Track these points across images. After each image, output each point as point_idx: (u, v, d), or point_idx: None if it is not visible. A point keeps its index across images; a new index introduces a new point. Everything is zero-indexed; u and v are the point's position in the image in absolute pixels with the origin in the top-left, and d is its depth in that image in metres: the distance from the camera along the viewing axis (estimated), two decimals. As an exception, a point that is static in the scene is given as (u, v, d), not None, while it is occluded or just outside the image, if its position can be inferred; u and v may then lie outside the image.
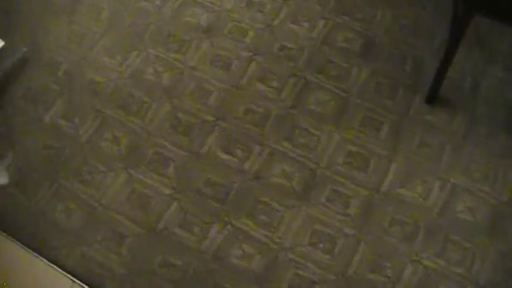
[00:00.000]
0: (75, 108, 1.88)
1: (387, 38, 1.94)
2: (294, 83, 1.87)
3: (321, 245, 1.60)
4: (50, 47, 2.01)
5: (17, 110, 1.89)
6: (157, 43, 1.99)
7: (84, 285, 1.56)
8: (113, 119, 1.86)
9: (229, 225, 1.64)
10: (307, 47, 1.94)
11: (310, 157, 1.73)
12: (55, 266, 1.60)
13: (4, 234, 1.66)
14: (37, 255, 1.62)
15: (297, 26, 1.99)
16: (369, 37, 1.94)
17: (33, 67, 1.97)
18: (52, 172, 1.76)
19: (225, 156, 1.75)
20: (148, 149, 1.79)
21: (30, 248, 1.63)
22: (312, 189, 1.68)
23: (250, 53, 1.94)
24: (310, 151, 1.74)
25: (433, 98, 1.79)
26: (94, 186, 1.74)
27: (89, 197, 1.72)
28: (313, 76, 1.87)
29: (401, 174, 1.69)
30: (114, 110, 1.87)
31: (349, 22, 1.98)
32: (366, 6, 2.01)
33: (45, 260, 1.61)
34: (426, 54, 1.90)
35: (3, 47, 1.98)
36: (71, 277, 1.58)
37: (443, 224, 1.61)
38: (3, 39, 1.99)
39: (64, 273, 1.58)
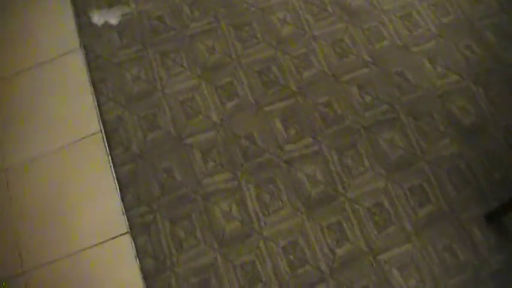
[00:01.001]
0: None
1: (502, 136, 1.76)
2: (384, 109, 1.79)
3: (291, 257, 1.60)
4: None
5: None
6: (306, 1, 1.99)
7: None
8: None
9: (235, 182, 1.68)
10: (424, 88, 1.83)
11: (343, 181, 1.69)
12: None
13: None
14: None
15: (431, 65, 1.87)
16: (485, 122, 1.78)
17: None
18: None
19: (278, 125, 1.76)
20: (228, 75, 1.84)
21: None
22: (322, 207, 1.66)
23: (370, 59, 1.88)
24: (347, 176, 1.70)
25: (492, 219, 1.63)
26: (167, 76, 1.84)
27: (155, 84, 1.84)
28: (407, 117, 1.78)
29: (408, 259, 1.60)
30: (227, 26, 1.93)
31: (480, 95, 1.82)
32: (509, 96, 1.82)
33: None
34: (525, 176, 1.72)
35: None
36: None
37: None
38: None
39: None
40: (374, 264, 1.59)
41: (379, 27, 1.94)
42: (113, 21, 1.98)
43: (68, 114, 1.78)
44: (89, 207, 1.64)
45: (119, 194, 1.67)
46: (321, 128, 1.77)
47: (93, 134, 1.76)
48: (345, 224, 1.64)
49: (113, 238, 1.61)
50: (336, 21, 1.96)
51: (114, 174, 1.69)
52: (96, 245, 1.60)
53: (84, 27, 1.97)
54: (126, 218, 1.64)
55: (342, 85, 1.84)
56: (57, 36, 1.92)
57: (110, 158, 1.72)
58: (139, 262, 1.59)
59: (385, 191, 1.68)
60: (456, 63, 1.87)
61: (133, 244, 1.61)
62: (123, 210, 1.65)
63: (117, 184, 1.69)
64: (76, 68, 1.86)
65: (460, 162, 1.73)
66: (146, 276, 1.57)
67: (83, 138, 1.75)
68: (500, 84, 1.83)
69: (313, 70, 1.86)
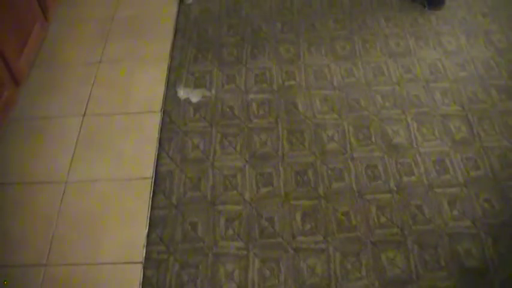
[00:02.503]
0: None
1: (499, 285, 1.88)
2: (394, 232, 1.99)
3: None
4: None
5: None
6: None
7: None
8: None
9: (245, 251, 1.93)
10: (436, 224, 2.02)
11: (338, 281, 1.87)
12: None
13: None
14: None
15: (448, 207, 2.07)
16: (486, 269, 1.91)
17: None
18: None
19: (297, 218, 2.02)
20: (270, 167, 2.18)
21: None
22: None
23: (395, 188, 2.13)
24: (343, 278, 1.88)
25: None
26: (220, 153, 2.22)
27: (208, 155, 2.21)
28: (413, 244, 1.96)
29: None
30: (281, 126, 2.31)
31: (488, 244, 1.97)
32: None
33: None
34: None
35: None
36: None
37: None
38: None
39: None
40: None
41: (412, 164, 2.21)
42: (194, 99, 2.44)
43: (133, 156, 2.19)
44: (119, 232, 1.96)
45: (147, 231, 1.98)
46: (333, 231, 2.00)
47: (145, 178, 2.12)
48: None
49: (127, 263, 1.88)
50: (375, 149, 2.26)
51: (148, 214, 2.02)
52: (112, 263, 1.88)
53: (169, 97, 2.45)
54: (144, 251, 1.92)
55: (363, 202, 2.09)
56: (148, 96, 2.41)
57: (150, 200, 2.06)
58: (142, 290, 1.84)
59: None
60: (472, 212, 2.06)
61: (142, 273, 1.87)
62: (145, 244, 1.94)
63: (148, 222, 2.00)
64: (152, 125, 2.31)
65: None
66: (143, 303, 1.81)
67: (136, 179, 2.12)
68: (511, 240, 1.99)
69: (342, 183, 2.14)
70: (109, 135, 2.28)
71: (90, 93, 2.45)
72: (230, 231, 2.00)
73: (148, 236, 1.97)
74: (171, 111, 2.40)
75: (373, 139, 2.30)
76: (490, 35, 2.80)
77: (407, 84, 2.54)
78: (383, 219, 2.04)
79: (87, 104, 2.41)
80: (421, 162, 2.22)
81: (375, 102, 2.45)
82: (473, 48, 2.73)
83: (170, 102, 2.45)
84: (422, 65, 2.63)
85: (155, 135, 2.29)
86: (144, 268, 1.89)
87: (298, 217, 2.04)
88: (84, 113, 2.38)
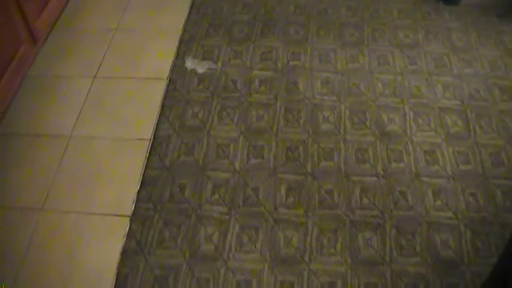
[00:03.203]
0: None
1: (470, 278, 1.93)
2: (375, 214, 2.06)
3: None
4: None
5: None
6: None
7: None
8: (272, 106, 2.39)
9: (227, 216, 2.04)
10: (417, 211, 2.08)
11: (312, 253, 1.96)
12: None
13: None
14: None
15: (432, 197, 2.13)
16: (460, 261, 1.96)
17: None
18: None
19: (282, 191, 2.12)
20: (263, 140, 2.27)
21: None
22: (284, 266, 1.93)
23: (382, 172, 2.19)
24: (317, 251, 1.96)
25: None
26: (217, 123, 2.33)
27: (206, 124, 2.32)
28: (391, 228, 2.03)
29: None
30: (279, 104, 2.40)
31: (467, 237, 2.02)
32: (492, 249, 2.00)
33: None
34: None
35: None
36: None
37: None
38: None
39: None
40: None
41: (402, 151, 2.27)
42: (200, 70, 2.56)
43: (134, 118, 2.32)
44: (113, 187, 2.09)
45: (138, 188, 2.10)
46: (315, 207, 2.08)
47: (144, 139, 2.25)
48: (296, 287, 1.89)
49: (116, 215, 2.02)
50: (368, 134, 2.33)
51: (142, 173, 2.14)
52: (102, 214, 2.02)
53: (177, 66, 2.57)
54: (133, 206, 2.05)
55: (348, 183, 2.16)
56: (157, 64, 2.54)
57: (145, 160, 2.18)
58: (125, 240, 1.96)
59: (343, 276, 1.92)
60: (456, 204, 2.11)
61: (128, 226, 2.00)
62: (135, 200, 2.07)
63: (140, 180, 2.12)
64: (156, 91, 2.44)
65: (421, 283, 1.92)
66: (124, 252, 1.94)
67: (135, 139, 2.25)
68: (489, 236, 2.03)
69: (331, 163, 2.22)
70: (115, 97, 2.42)
71: (103, 58, 2.60)
72: (216, 196, 2.10)
73: (138, 193, 2.10)
74: (177, 80, 2.52)
75: (367, 123, 2.36)
76: (501, 35, 2.81)
77: (410, 75, 2.58)
78: (365, 201, 2.11)
79: (99, 67, 2.55)
80: (412, 151, 2.27)
81: (375, 89, 2.51)
82: (483, 47, 2.74)
83: (177, 71, 2.56)
84: (428, 58, 2.67)
85: (159, 100, 2.41)
86: (131, 222, 2.02)
87: (283, 190, 2.13)
88: (95, 75, 2.52)
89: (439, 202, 2.12)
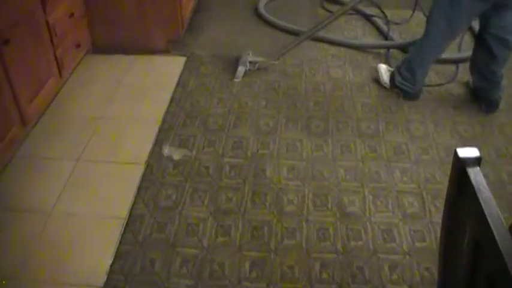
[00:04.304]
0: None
1: None
2: (332, 288, 2.24)
3: None
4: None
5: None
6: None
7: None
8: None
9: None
10: (373, 284, 2.25)
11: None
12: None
13: None
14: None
15: (389, 271, 2.31)
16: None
17: None
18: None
19: (246, 266, 2.30)
20: (231, 220, 2.50)
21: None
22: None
23: (341, 250, 2.39)
24: None
25: None
26: (188, 204, 2.57)
27: (178, 204, 2.56)
28: None
29: None
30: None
31: None
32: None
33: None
34: None
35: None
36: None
37: None
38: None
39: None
40: None
41: (361, 231, 2.48)
42: (176, 157, 2.84)
43: (112, 198, 2.57)
44: (87, 259, 2.28)
45: (111, 261, 2.29)
46: (276, 281, 2.26)
47: (119, 218, 2.48)
48: None
49: (89, 286, 2.19)
50: (329, 215, 2.55)
51: (116, 248, 2.34)
52: (76, 284, 2.19)
53: (154, 153, 2.86)
54: (106, 278, 2.23)
55: (309, 259, 2.35)
56: (136, 150, 2.86)
57: (120, 237, 2.39)
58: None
59: None
60: (411, 278, 2.28)
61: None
62: (107, 271, 2.25)
63: (114, 254, 2.32)
64: (134, 174, 2.70)
65: None
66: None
67: (111, 217, 2.48)
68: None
69: (293, 241, 2.42)
70: (96, 179, 2.68)
71: (87, 143, 2.90)
72: (184, 270, 2.28)
73: (111, 265, 2.28)
74: (154, 165, 2.79)
75: (329, 206, 2.60)
76: (457, 125, 3.14)
77: (371, 162, 2.87)
78: (324, 275, 2.29)
79: (82, 151, 2.84)
80: (370, 230, 2.49)
81: (337, 175, 2.77)
82: (439, 136, 3.06)
83: (154, 157, 2.84)
84: (387, 146, 2.97)
85: (136, 183, 2.66)
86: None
87: (247, 265, 2.31)
88: (79, 158, 2.80)
89: (395, 276, 2.30)
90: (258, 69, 3.61)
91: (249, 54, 3.65)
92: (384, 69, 3.49)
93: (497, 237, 0.95)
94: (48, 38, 2.90)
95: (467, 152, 1.18)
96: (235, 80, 3.52)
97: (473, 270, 1.13)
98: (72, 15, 3.16)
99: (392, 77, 3.38)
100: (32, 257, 2.29)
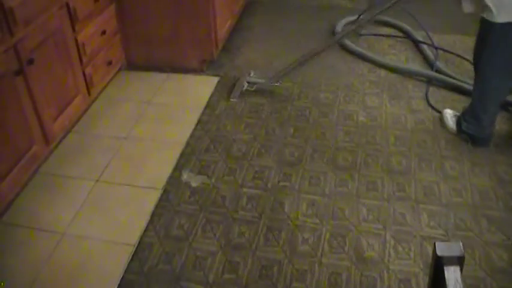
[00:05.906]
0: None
1: None
2: None
3: None
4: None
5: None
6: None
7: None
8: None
9: None
10: None
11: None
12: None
13: None
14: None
15: None
16: None
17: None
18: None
19: None
20: (241, 257, 2.45)
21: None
22: None
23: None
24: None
25: None
26: (200, 236, 2.54)
27: (188, 237, 2.54)
28: None
29: None
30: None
31: None
32: None
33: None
34: None
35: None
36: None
37: None
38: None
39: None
40: None
41: (377, 279, 2.36)
42: (194, 184, 2.82)
43: (125, 223, 2.59)
44: (92, 285, 2.30)
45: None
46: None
47: (129, 244, 2.48)
48: None
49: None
50: (345, 258, 2.45)
51: (121, 276, 2.34)
52: None
53: (173, 177, 2.85)
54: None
55: None
56: (155, 174, 2.87)
57: (126, 265, 2.39)
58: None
59: None
60: None
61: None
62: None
63: (118, 283, 2.32)
64: (150, 200, 2.71)
65: None
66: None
67: (121, 244, 2.49)
68: None
69: (302, 285, 2.33)
70: (112, 202, 2.70)
71: (108, 164, 2.93)
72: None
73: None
74: (171, 191, 2.78)
75: (346, 248, 2.49)
76: (496, 166, 2.94)
77: (397, 201, 2.72)
78: (332, 324, 2.20)
79: (102, 172, 2.88)
80: (387, 279, 2.36)
81: (359, 215, 2.65)
82: (476, 177, 2.87)
83: (172, 182, 2.83)
84: (417, 185, 2.82)
85: (150, 209, 2.66)
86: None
87: (257, 311, 2.26)
88: (98, 179, 2.84)
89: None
90: (256, 90, 3.61)
91: (249, 74, 3.73)
92: (449, 115, 3.30)
93: None
94: (77, 56, 2.95)
95: (448, 249, 1.06)
96: (232, 100, 3.53)
97: None
98: (104, 32, 3.21)
99: (458, 122, 3.20)
100: (38, 278, 2.34)
